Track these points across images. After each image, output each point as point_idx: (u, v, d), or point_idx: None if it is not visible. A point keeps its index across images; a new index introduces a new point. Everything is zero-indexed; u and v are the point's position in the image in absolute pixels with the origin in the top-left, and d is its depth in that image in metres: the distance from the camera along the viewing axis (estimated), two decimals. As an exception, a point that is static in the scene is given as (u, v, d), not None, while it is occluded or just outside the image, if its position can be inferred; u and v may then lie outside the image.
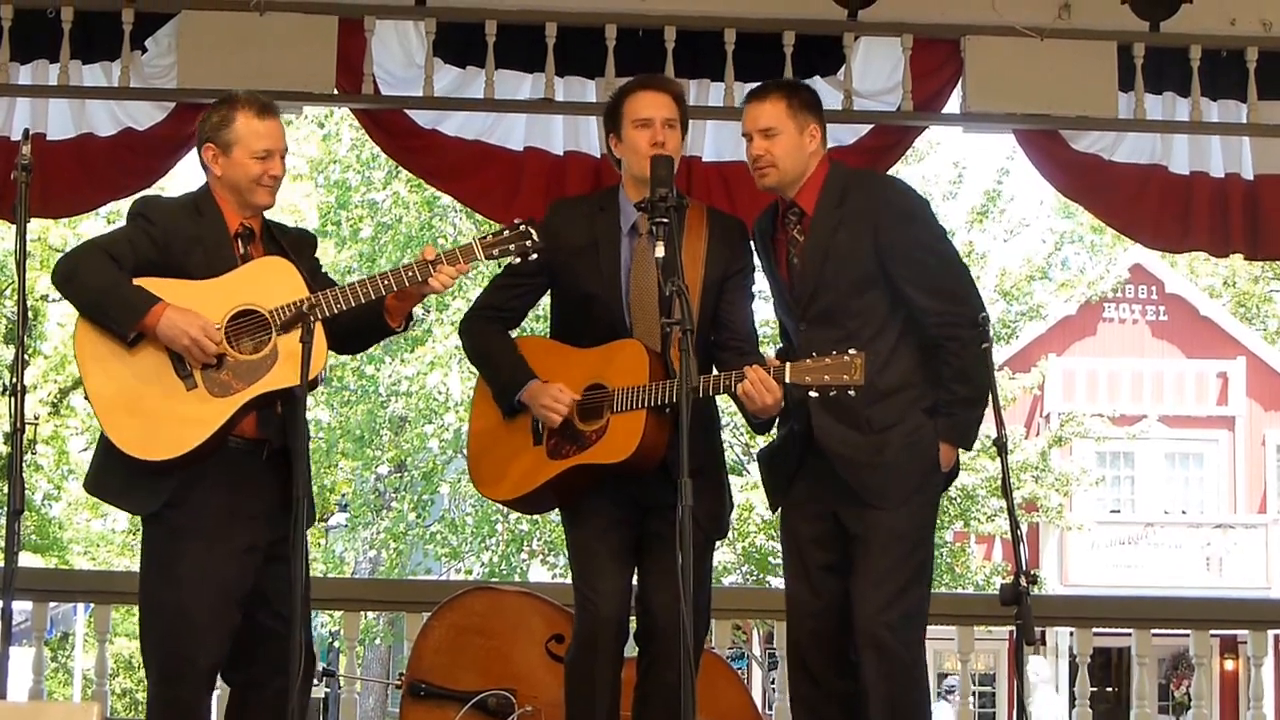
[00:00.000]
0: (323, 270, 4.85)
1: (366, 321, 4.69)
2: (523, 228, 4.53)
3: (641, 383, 4.53)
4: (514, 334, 4.96)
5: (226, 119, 4.63)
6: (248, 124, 4.61)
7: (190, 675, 4.47)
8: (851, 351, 4.32)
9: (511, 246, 4.52)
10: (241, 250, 4.63)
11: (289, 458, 4.50)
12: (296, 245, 4.76)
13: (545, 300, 5.01)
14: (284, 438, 4.52)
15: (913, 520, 4.69)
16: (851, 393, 4.34)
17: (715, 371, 4.66)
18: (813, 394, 4.39)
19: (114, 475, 4.55)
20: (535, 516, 21.89)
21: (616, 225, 4.76)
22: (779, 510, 4.98)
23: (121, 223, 4.71)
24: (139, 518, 4.76)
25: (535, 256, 4.53)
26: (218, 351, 4.44)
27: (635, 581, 4.74)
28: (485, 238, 4.55)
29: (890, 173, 6.65)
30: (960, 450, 4.82)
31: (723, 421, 5.44)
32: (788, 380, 4.40)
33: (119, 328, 4.45)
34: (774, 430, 4.93)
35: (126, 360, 4.47)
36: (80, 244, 4.77)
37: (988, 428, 4.71)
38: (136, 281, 4.48)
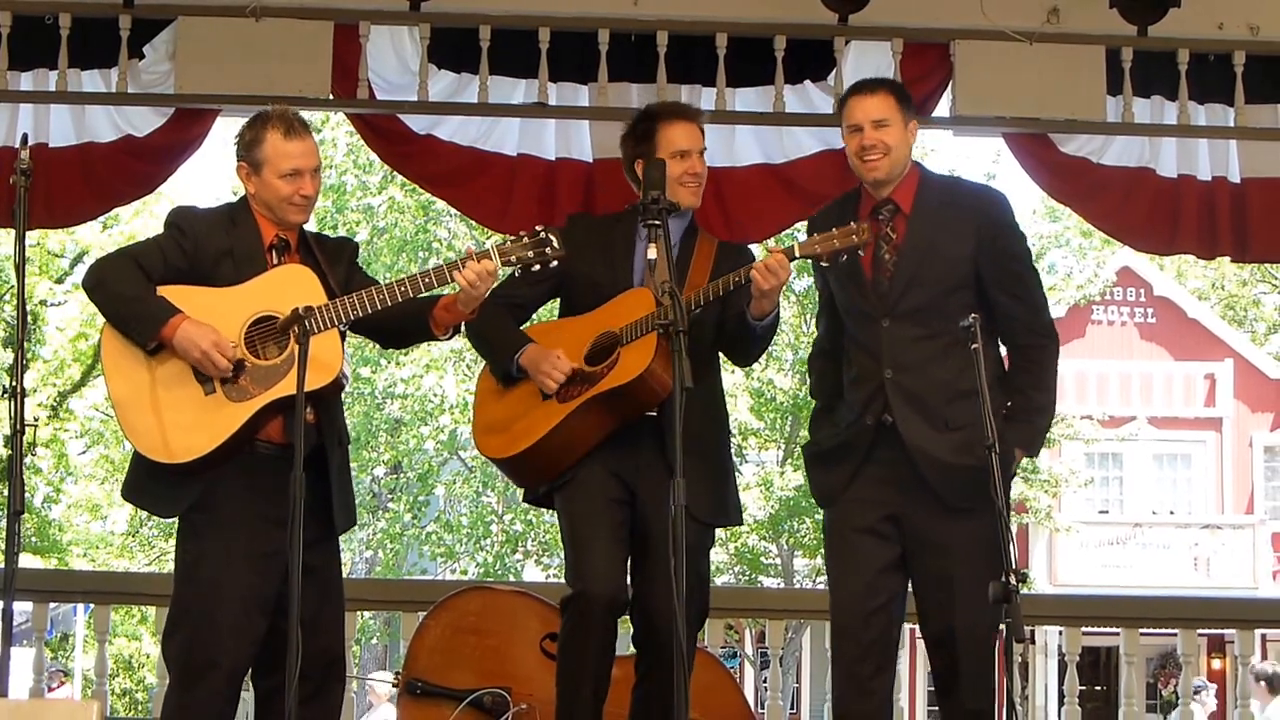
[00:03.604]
0: (363, 274, 4.83)
1: (410, 324, 4.71)
2: (543, 234, 4.49)
3: (650, 312, 4.58)
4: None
5: (257, 138, 4.65)
6: (275, 144, 4.62)
7: (209, 678, 4.49)
8: (855, 222, 4.48)
9: (531, 253, 4.48)
10: (275, 261, 4.66)
11: (321, 463, 4.55)
12: (334, 253, 4.78)
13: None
14: (317, 439, 4.55)
15: (993, 528, 4.52)
16: (861, 252, 4.49)
17: (724, 362, 4.76)
18: (823, 263, 4.55)
19: (144, 480, 4.60)
20: (530, 517, 21.95)
21: (632, 232, 4.78)
22: (830, 507, 4.90)
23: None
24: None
25: (556, 264, 4.51)
26: (232, 362, 4.46)
27: (630, 580, 4.75)
28: (504, 244, 4.51)
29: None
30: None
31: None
32: (798, 254, 4.52)
33: (139, 337, 4.51)
34: (836, 425, 4.87)
35: (148, 365, 4.52)
36: (112, 252, 4.83)
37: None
38: (161, 289, 4.53)
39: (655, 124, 4.87)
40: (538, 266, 4.51)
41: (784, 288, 4.63)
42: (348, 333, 4.70)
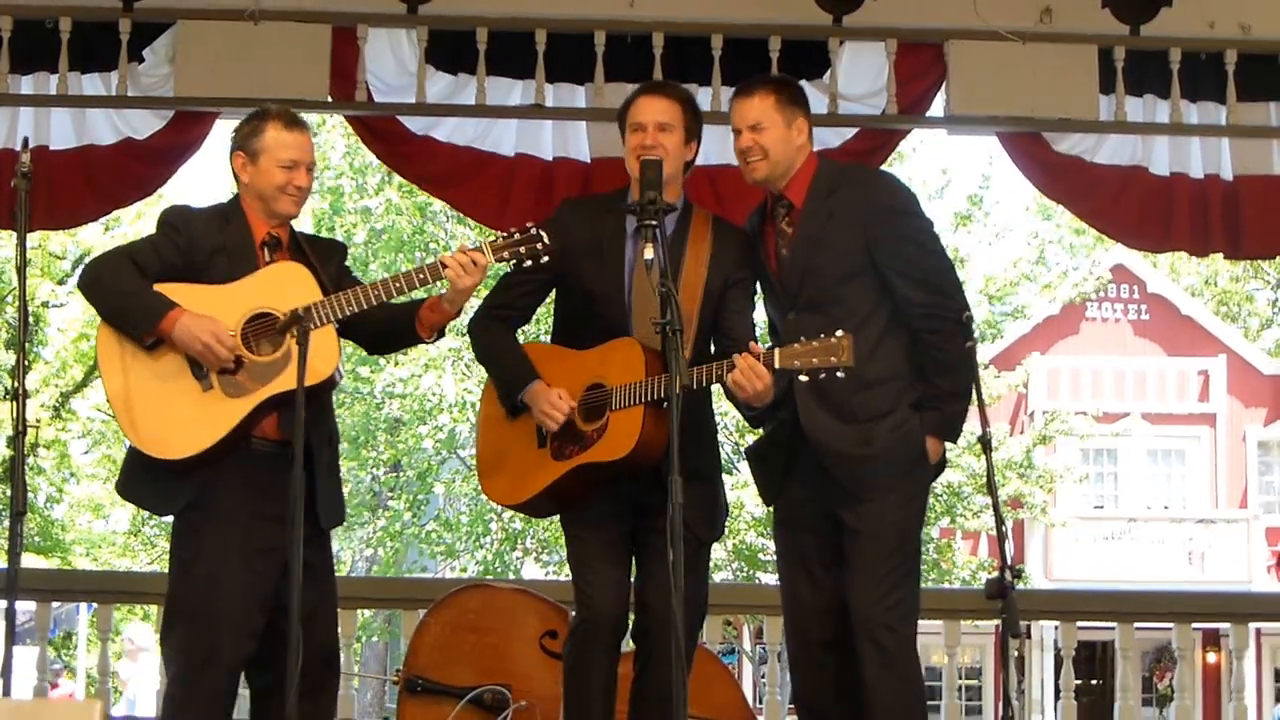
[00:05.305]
0: (353, 276, 4.89)
1: (396, 326, 4.78)
2: (534, 231, 4.57)
3: (639, 379, 4.57)
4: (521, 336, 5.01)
5: (257, 129, 4.74)
6: (276, 135, 4.72)
7: (208, 673, 4.52)
8: (839, 333, 4.31)
9: (522, 249, 4.55)
10: (267, 258, 4.72)
11: (309, 462, 4.53)
12: (325, 253, 4.85)
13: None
14: (306, 437, 4.52)
15: (901, 511, 4.71)
16: (840, 374, 4.31)
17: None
18: (802, 378, 4.38)
19: (140, 477, 4.64)
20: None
21: (623, 226, 4.79)
22: (772, 504, 5.02)
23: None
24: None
25: (546, 260, 4.57)
26: (233, 352, 4.51)
27: (634, 579, 4.79)
28: (496, 240, 4.58)
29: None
30: (947, 443, 4.86)
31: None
32: (776, 365, 4.38)
33: (136, 331, 4.55)
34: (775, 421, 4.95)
35: (145, 362, 4.56)
36: (107, 250, 4.86)
37: (973, 425, 4.76)
38: (157, 287, 4.57)
39: (625, 105, 4.90)
40: (530, 262, 4.58)
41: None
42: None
